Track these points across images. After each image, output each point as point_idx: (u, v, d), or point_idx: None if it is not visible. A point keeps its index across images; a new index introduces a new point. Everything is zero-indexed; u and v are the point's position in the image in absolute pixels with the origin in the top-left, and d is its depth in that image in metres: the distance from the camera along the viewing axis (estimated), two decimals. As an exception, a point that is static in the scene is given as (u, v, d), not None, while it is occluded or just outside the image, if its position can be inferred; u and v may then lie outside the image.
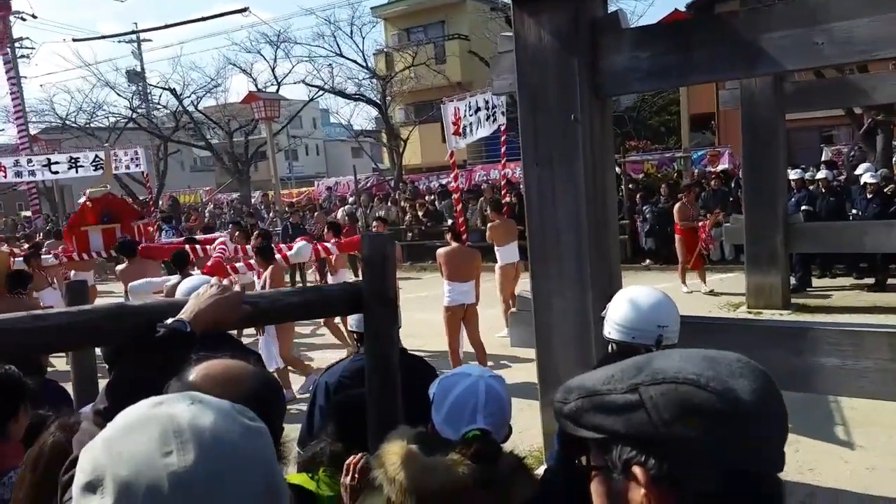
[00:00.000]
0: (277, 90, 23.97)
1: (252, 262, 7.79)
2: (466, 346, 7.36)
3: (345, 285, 1.89)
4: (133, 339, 1.41)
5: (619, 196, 12.66)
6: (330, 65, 31.26)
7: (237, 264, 8.06)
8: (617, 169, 13.43)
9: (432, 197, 19.16)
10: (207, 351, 2.43)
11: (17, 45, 25.57)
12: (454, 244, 7.31)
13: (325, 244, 8.57)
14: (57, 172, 15.26)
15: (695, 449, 0.73)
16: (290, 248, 8.39)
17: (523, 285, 7.84)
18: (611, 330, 2.38)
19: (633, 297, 2.35)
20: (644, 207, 13.89)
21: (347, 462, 1.84)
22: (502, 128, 10.55)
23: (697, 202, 11.88)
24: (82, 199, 10.50)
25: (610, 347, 2.41)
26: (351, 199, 20.35)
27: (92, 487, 0.71)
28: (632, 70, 3.60)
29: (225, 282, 1.65)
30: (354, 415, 2.02)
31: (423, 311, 9.84)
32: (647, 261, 13.61)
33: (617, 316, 2.35)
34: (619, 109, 23.08)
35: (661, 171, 18.18)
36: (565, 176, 3.74)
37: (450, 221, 16.58)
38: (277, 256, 7.66)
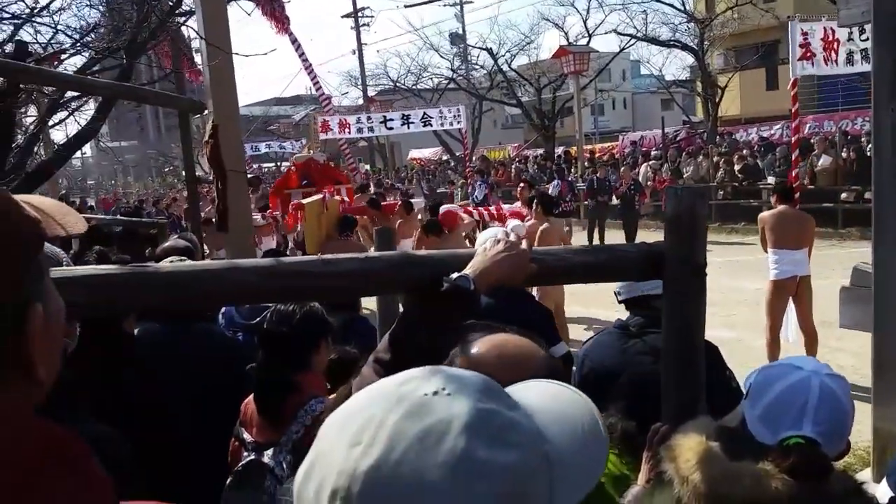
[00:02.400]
0: (588, 42, 23.59)
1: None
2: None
3: (644, 246, 1.66)
4: (416, 291, 1.37)
5: None
6: (644, 11, 29.94)
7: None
8: None
9: (751, 150, 17.38)
10: (501, 308, 2.41)
11: (359, 14, 28.96)
12: (781, 206, 6.13)
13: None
14: (392, 129, 17.32)
15: None
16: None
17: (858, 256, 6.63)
18: None
19: None
20: None
21: (651, 432, 1.62)
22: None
23: None
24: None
25: None
26: (654, 154, 19.43)
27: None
28: None
29: (513, 237, 1.55)
30: (650, 393, 1.81)
31: (730, 277, 9.02)
32: None
33: None
34: None
35: None
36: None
37: (770, 179, 14.85)
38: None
